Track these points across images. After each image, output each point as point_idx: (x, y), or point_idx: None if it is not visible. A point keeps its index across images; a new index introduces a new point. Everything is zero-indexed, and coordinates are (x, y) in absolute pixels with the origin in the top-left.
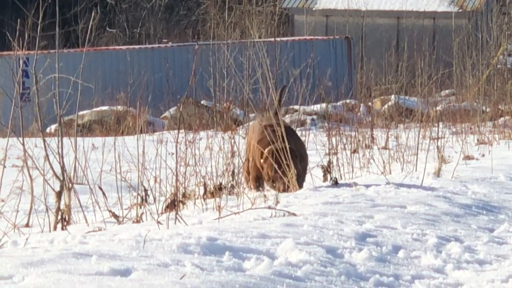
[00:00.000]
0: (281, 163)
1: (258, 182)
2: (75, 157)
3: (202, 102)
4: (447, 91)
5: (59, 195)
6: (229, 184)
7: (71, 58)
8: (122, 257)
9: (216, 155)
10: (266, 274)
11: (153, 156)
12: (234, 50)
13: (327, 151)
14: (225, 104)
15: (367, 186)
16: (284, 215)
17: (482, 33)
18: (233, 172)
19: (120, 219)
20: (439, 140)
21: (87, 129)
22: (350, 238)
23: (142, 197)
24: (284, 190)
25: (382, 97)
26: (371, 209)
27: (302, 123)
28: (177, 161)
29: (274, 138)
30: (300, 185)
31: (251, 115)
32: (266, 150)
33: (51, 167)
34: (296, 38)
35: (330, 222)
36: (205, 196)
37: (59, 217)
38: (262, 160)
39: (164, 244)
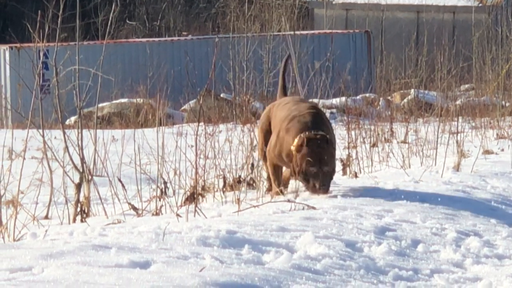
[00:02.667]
0: (322, 156)
1: (277, 172)
2: (95, 149)
3: (221, 95)
4: (466, 86)
5: (78, 187)
6: (249, 177)
7: (91, 50)
8: (141, 250)
9: (235, 148)
10: (285, 267)
11: (173, 149)
12: (253, 43)
13: (346, 145)
14: (244, 97)
15: (386, 180)
16: (303, 209)
17: (502, 27)
18: (252, 165)
19: (140, 212)
20: (459, 134)
21: (106, 121)
22: (369, 232)
23: (161, 190)
24: (317, 192)
25: (402, 91)
26: (390, 203)
27: None
28: (196, 153)
29: (311, 124)
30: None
31: None
32: (300, 136)
33: (71, 159)
34: (316, 31)
35: (350, 215)
36: (224, 189)
37: (79, 209)
38: (293, 148)
39: (183, 237)
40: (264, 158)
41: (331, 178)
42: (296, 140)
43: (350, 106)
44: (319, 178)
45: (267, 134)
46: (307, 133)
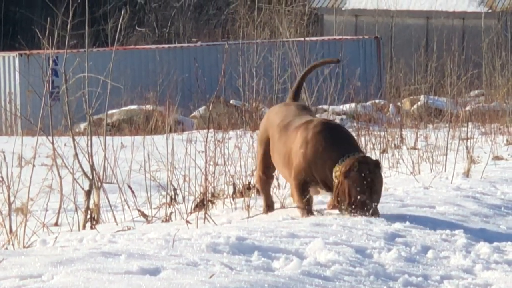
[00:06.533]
0: (372, 182)
1: (305, 190)
2: (104, 156)
3: (231, 102)
4: (476, 92)
5: (88, 194)
6: None
7: (100, 57)
8: (151, 256)
9: (245, 155)
10: (295, 274)
11: (182, 155)
12: (263, 49)
13: None
14: (254, 104)
15: (396, 186)
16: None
17: None
18: None
19: (149, 218)
20: (468, 140)
21: (116, 128)
22: (379, 238)
23: (171, 196)
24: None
25: (411, 97)
26: (400, 209)
27: None
28: (206, 160)
29: (346, 144)
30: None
31: None
32: (351, 162)
33: (81, 166)
34: (326, 38)
35: (359, 222)
36: (234, 196)
37: (88, 216)
38: (339, 175)
39: (193, 244)
40: (260, 178)
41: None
42: (337, 165)
43: (359, 112)
44: (369, 206)
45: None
46: (355, 156)
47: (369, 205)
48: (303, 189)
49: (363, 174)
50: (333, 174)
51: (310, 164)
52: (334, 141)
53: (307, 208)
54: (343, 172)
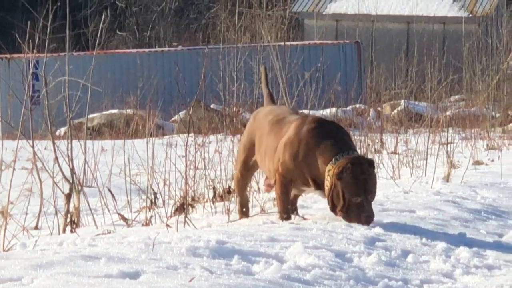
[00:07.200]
0: (368, 183)
1: (288, 194)
2: (85, 159)
3: (211, 106)
4: (456, 97)
5: (68, 197)
6: None
7: (81, 61)
8: (131, 260)
9: (225, 159)
10: (274, 278)
11: (163, 159)
12: (244, 54)
13: None
14: (234, 108)
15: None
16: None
17: (492, 38)
18: None
19: (129, 222)
20: (449, 145)
21: (96, 132)
22: (359, 242)
23: (151, 200)
24: (360, 223)
25: (392, 102)
26: (380, 213)
27: None
28: (186, 164)
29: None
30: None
31: None
32: (344, 163)
33: (61, 170)
34: (306, 42)
35: (339, 226)
36: (214, 200)
37: (68, 219)
38: (332, 175)
39: (173, 247)
40: (238, 180)
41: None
42: (330, 164)
43: (340, 117)
44: (364, 208)
45: (251, 150)
46: (349, 156)
47: (364, 207)
48: (287, 189)
49: (356, 176)
50: (326, 173)
51: (300, 160)
52: (327, 138)
53: (286, 215)
54: (336, 174)
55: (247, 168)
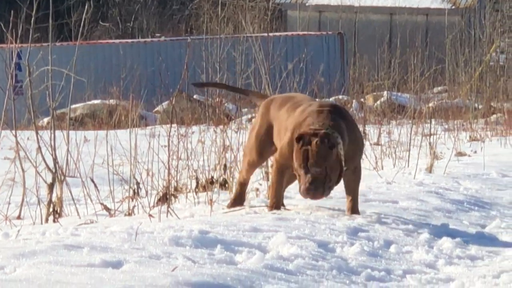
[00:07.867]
0: (310, 155)
1: (282, 182)
2: (67, 149)
3: (194, 97)
4: (439, 88)
5: (51, 187)
6: (221, 178)
7: (64, 51)
8: (113, 249)
9: (208, 149)
10: (257, 268)
11: (145, 150)
12: (227, 44)
13: None
14: (217, 99)
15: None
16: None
17: (475, 30)
18: (225, 166)
19: (112, 212)
20: (431, 136)
21: (79, 122)
22: (342, 232)
23: (134, 190)
24: (304, 195)
25: (375, 93)
26: (363, 204)
27: None
28: (169, 154)
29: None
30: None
31: (244, 109)
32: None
33: (44, 160)
34: (289, 33)
35: (322, 216)
36: (197, 190)
37: (51, 209)
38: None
39: (156, 237)
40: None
41: (326, 183)
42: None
43: None
44: (306, 180)
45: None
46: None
47: (304, 178)
48: (282, 176)
49: (301, 146)
50: None
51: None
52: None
53: (275, 204)
54: (287, 142)
55: (262, 159)
